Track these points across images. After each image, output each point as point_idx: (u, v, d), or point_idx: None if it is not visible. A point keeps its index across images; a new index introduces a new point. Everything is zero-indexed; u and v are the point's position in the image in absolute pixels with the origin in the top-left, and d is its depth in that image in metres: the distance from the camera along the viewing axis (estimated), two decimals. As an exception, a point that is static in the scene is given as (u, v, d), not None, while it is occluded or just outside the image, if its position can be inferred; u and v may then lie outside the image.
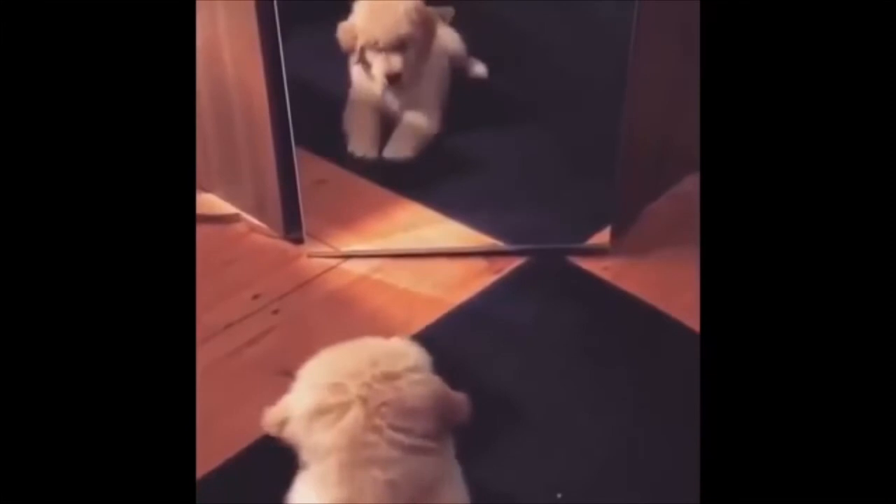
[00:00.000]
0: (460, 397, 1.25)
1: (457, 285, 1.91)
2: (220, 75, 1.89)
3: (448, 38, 2.25)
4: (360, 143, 2.14)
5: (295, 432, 1.23)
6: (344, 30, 2.10)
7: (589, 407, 1.67)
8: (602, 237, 1.97)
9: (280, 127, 1.86)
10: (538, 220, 2.01)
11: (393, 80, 2.09)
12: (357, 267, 1.96)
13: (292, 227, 1.99)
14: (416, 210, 2.05)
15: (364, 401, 1.18)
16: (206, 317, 1.82)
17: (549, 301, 1.88)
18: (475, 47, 2.28)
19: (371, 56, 2.09)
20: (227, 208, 2.07)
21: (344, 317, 1.85)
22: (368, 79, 2.13)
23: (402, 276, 1.94)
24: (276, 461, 1.57)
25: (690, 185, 2.08)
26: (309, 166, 1.93)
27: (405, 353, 1.25)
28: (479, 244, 1.99)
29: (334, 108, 2.18)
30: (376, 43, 2.07)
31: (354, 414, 1.18)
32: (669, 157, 2.04)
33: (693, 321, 1.77)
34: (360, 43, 2.08)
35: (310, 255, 1.98)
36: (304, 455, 1.24)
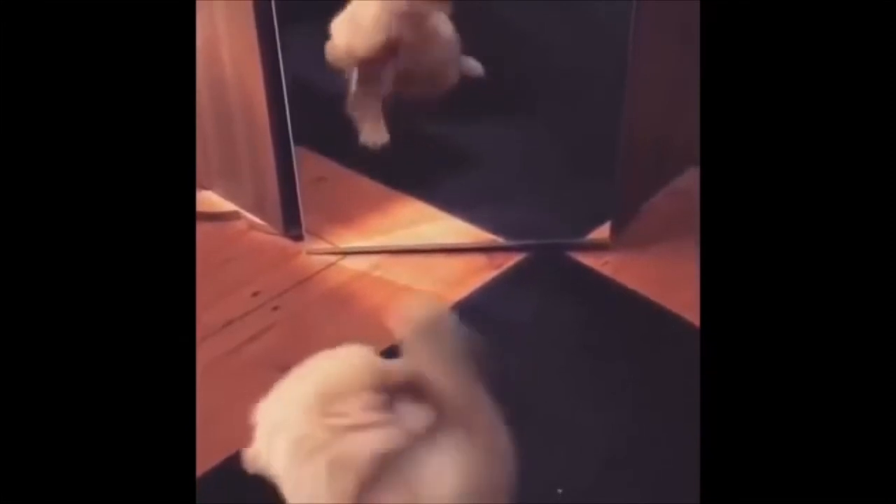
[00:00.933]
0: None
1: (456, 281, 1.91)
2: (219, 74, 1.89)
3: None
4: (373, 134, 2.13)
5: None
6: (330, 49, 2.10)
7: (589, 402, 1.67)
8: (601, 233, 1.97)
9: (279, 125, 1.86)
10: (538, 216, 2.02)
11: (365, 80, 2.09)
12: (356, 264, 1.96)
13: (291, 225, 1.99)
14: (416, 206, 2.05)
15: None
16: (206, 314, 1.82)
17: (549, 297, 1.88)
18: (474, 44, 2.28)
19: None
20: (226, 206, 2.07)
21: (343, 313, 1.85)
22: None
23: (401, 272, 1.94)
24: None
25: (690, 180, 2.08)
26: (308, 164, 1.93)
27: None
28: (478, 240, 1.99)
29: (333, 105, 2.18)
30: (358, 60, 2.07)
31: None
32: (669, 152, 2.04)
33: (692, 316, 1.77)
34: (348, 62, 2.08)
35: (309, 252, 1.98)
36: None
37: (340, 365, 1.26)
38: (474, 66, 2.28)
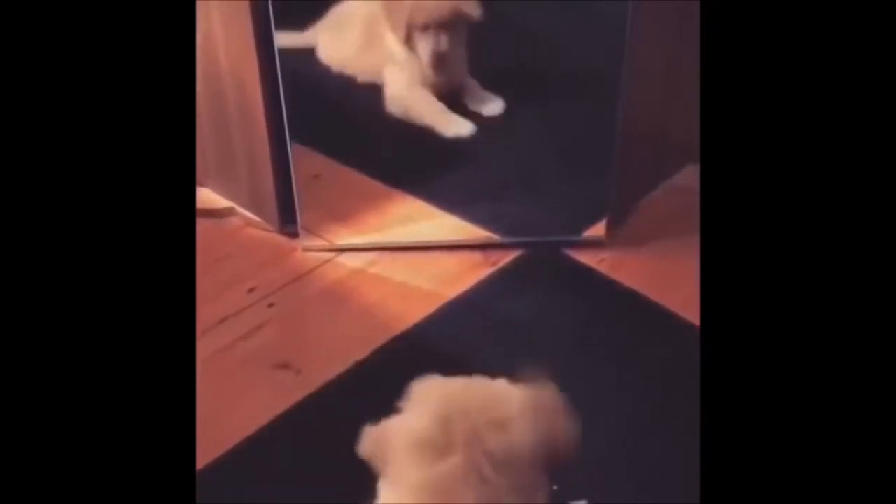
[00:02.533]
0: (568, 439, 1.21)
1: (452, 278, 1.91)
2: (216, 71, 1.89)
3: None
4: (454, 124, 2.13)
5: (391, 455, 1.18)
6: (392, 8, 2.08)
7: (585, 400, 1.66)
8: (598, 230, 1.97)
9: (275, 121, 1.86)
10: (534, 213, 2.02)
11: (440, 60, 2.07)
12: (352, 260, 1.96)
13: (287, 222, 1.99)
14: (412, 203, 2.05)
15: (467, 446, 1.13)
16: (202, 310, 1.82)
17: (545, 294, 1.88)
18: (471, 41, 2.27)
19: (417, 36, 2.07)
20: (222, 202, 2.07)
21: (339, 310, 1.85)
22: (413, 59, 2.11)
23: (397, 269, 1.94)
24: (274, 453, 1.58)
25: (686, 178, 2.08)
26: (304, 160, 1.93)
27: (513, 398, 1.20)
28: (474, 237, 1.99)
29: (329, 102, 2.18)
30: (426, 22, 2.05)
31: (454, 461, 1.13)
32: (665, 150, 2.04)
33: (690, 313, 1.77)
34: (408, 21, 2.07)
35: (305, 249, 1.98)
36: (388, 476, 1.19)
37: None
38: (495, 106, 2.21)
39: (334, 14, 2.14)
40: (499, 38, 2.26)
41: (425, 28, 2.05)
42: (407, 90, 2.13)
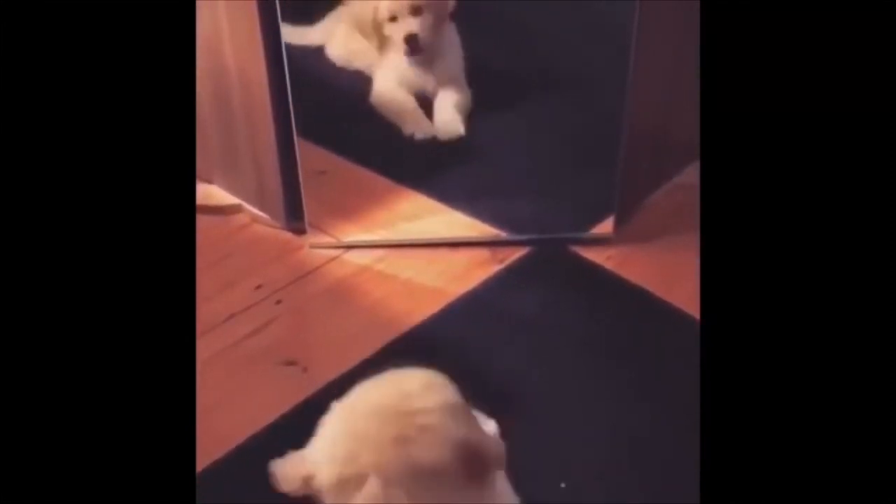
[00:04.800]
0: (490, 442, 1.21)
1: (459, 276, 1.91)
2: (221, 66, 1.89)
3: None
4: (418, 124, 2.12)
5: (321, 496, 1.19)
6: (361, 9, 2.08)
7: (592, 396, 1.67)
8: (605, 227, 1.97)
9: (281, 117, 1.86)
10: (541, 210, 2.01)
11: (412, 42, 2.06)
12: (359, 257, 1.96)
13: (294, 218, 1.99)
14: (419, 200, 2.04)
15: (379, 468, 1.14)
16: (209, 307, 1.82)
17: (552, 291, 1.87)
18: (477, 39, 2.27)
19: (388, 28, 2.07)
20: (228, 199, 2.07)
21: (346, 307, 1.85)
22: (390, 53, 2.11)
23: (404, 266, 1.94)
24: (281, 450, 1.58)
25: (692, 175, 2.07)
26: (310, 156, 1.93)
27: (423, 403, 1.19)
28: (481, 234, 1.99)
29: (336, 98, 2.18)
30: (393, 12, 2.05)
31: (372, 485, 1.14)
32: (672, 147, 2.03)
33: (696, 311, 1.77)
34: (376, 17, 2.07)
35: (312, 246, 1.98)
36: None
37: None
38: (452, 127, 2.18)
39: (345, 8, 2.14)
40: (505, 37, 2.26)
41: (392, 19, 2.05)
42: (389, 86, 2.14)
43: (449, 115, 2.12)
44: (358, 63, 2.20)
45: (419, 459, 1.14)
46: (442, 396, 1.20)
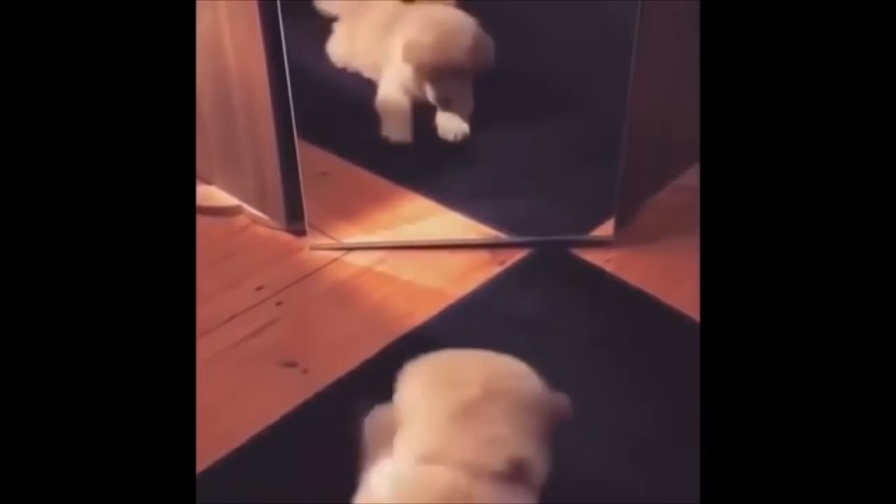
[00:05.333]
0: (563, 399, 1.34)
1: (460, 277, 1.91)
2: (222, 66, 1.89)
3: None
4: (397, 128, 2.12)
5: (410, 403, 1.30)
6: (411, 47, 2.08)
7: (593, 398, 1.66)
8: (605, 229, 1.97)
9: (282, 118, 1.86)
10: (541, 212, 2.01)
11: (445, 104, 2.08)
12: (360, 259, 1.96)
13: (294, 219, 1.99)
14: (419, 202, 2.04)
15: (482, 384, 1.26)
16: (209, 308, 1.82)
17: (553, 293, 1.87)
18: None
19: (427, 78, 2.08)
20: (229, 200, 2.07)
21: (347, 309, 1.85)
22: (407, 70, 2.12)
23: (404, 268, 1.94)
24: (281, 451, 1.58)
25: (694, 177, 2.08)
26: (311, 158, 1.93)
27: (515, 362, 1.34)
28: (482, 236, 1.99)
29: (337, 98, 2.18)
30: (436, 71, 2.05)
31: (472, 391, 1.25)
32: (673, 149, 2.04)
33: (697, 313, 1.77)
34: (417, 63, 2.07)
35: (312, 247, 1.98)
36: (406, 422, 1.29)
37: None
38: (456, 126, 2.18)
39: (350, 6, 2.14)
40: (506, 38, 2.26)
41: (435, 74, 2.05)
42: (389, 90, 2.14)
43: (451, 115, 2.12)
44: (358, 64, 2.20)
45: (520, 390, 1.27)
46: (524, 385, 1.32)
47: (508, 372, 1.31)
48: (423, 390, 1.28)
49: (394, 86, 2.14)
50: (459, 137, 2.10)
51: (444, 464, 1.21)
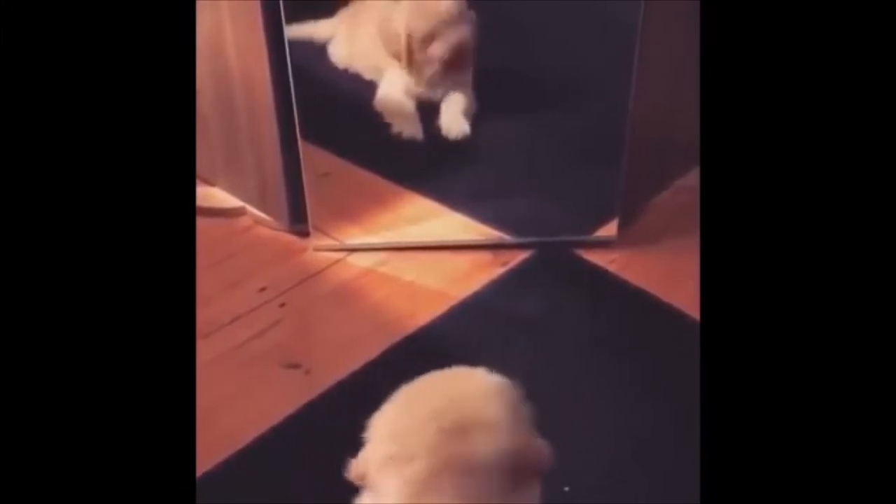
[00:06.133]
0: (539, 449, 1.20)
1: (462, 278, 1.91)
2: (224, 67, 1.89)
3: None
4: (408, 125, 2.13)
5: (369, 481, 1.18)
6: (387, 32, 2.10)
7: (595, 399, 1.66)
8: (608, 230, 1.97)
9: (284, 119, 1.86)
10: (544, 213, 2.01)
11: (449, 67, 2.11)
12: (362, 260, 1.96)
13: (297, 220, 1.99)
14: (422, 203, 2.05)
15: (430, 451, 1.12)
16: (212, 309, 1.83)
17: (555, 294, 1.87)
18: (481, 38, 2.27)
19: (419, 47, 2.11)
20: (231, 201, 2.07)
21: (350, 310, 1.85)
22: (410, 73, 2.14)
23: (407, 269, 1.94)
24: (284, 452, 1.58)
25: (696, 178, 2.07)
26: (314, 159, 1.93)
27: (484, 401, 1.18)
28: (484, 237, 1.99)
29: (339, 100, 2.18)
30: (430, 34, 2.09)
31: (418, 465, 1.12)
32: (675, 149, 2.03)
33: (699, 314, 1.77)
34: (406, 40, 2.09)
35: (315, 249, 1.98)
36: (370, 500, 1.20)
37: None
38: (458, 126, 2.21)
39: (351, 9, 2.15)
40: (508, 39, 2.26)
41: (425, 40, 2.07)
42: (392, 90, 2.14)
43: (454, 115, 2.13)
44: (360, 65, 2.21)
45: (472, 453, 1.13)
46: (505, 398, 1.20)
47: (470, 423, 1.15)
48: (377, 463, 1.17)
49: (395, 85, 2.14)
50: (461, 137, 2.10)
51: None
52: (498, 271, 1.93)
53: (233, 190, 2.07)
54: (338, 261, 1.96)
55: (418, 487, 1.12)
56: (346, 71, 2.19)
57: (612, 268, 1.92)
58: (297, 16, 1.79)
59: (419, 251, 1.97)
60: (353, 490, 1.43)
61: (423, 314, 1.82)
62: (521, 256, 1.96)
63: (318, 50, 2.13)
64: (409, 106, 2.15)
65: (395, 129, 2.12)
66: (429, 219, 2.02)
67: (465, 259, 1.95)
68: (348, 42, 2.21)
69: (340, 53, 2.21)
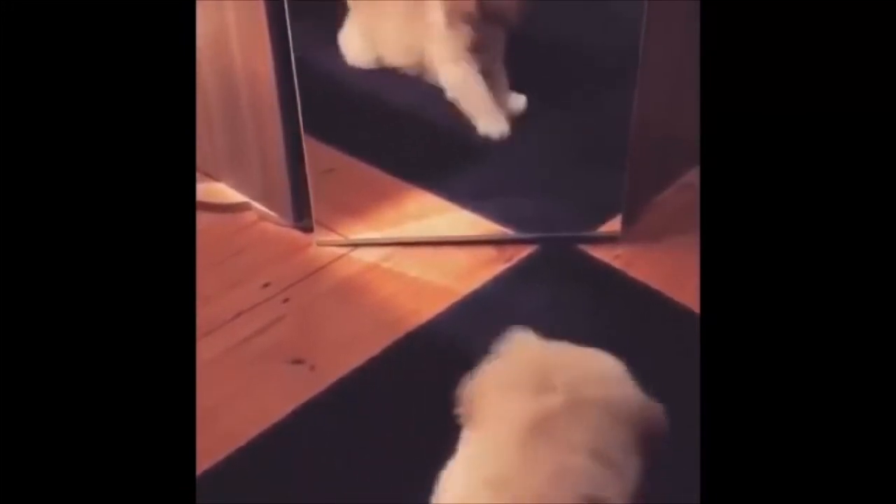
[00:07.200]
0: (659, 413, 1.22)
1: (466, 274, 1.91)
2: (228, 63, 1.89)
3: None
4: (495, 123, 2.12)
5: (485, 402, 1.17)
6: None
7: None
8: (613, 226, 1.97)
9: (288, 115, 1.86)
10: (548, 209, 2.01)
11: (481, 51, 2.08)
12: (366, 256, 1.96)
13: (301, 216, 1.99)
14: (426, 198, 2.04)
15: (568, 389, 1.13)
16: (215, 306, 1.83)
17: (560, 290, 1.87)
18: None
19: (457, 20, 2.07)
20: (235, 197, 2.07)
21: (353, 305, 1.85)
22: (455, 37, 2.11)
23: (411, 264, 1.94)
24: (288, 448, 1.58)
25: (697, 176, 2.07)
26: (317, 154, 1.93)
27: (610, 362, 1.24)
28: (488, 232, 1.99)
29: (343, 96, 2.18)
30: (468, 14, 2.05)
31: (554, 399, 1.12)
32: (680, 146, 2.03)
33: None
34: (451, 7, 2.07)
35: (319, 244, 1.98)
36: (480, 420, 1.18)
37: None
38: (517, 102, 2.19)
39: (361, 5, 2.14)
40: (512, 37, 2.26)
41: (468, 17, 2.05)
42: (462, 80, 2.12)
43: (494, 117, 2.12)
44: (386, 54, 2.19)
45: (608, 397, 1.16)
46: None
47: (600, 376, 1.19)
48: (499, 392, 1.16)
49: (465, 80, 2.11)
50: (503, 136, 2.08)
51: (512, 493, 1.09)
52: (502, 267, 1.92)
53: (237, 186, 2.07)
54: (341, 256, 1.96)
55: (544, 418, 1.11)
56: (350, 66, 2.18)
57: (616, 264, 1.92)
58: (301, 12, 1.79)
59: (423, 247, 1.97)
60: (356, 486, 1.44)
61: (428, 310, 1.82)
62: (525, 252, 1.95)
63: (322, 46, 2.12)
64: (487, 99, 2.11)
65: (481, 129, 2.09)
66: (432, 215, 2.02)
67: (469, 255, 1.95)
68: (364, 36, 2.18)
69: (356, 47, 2.18)
